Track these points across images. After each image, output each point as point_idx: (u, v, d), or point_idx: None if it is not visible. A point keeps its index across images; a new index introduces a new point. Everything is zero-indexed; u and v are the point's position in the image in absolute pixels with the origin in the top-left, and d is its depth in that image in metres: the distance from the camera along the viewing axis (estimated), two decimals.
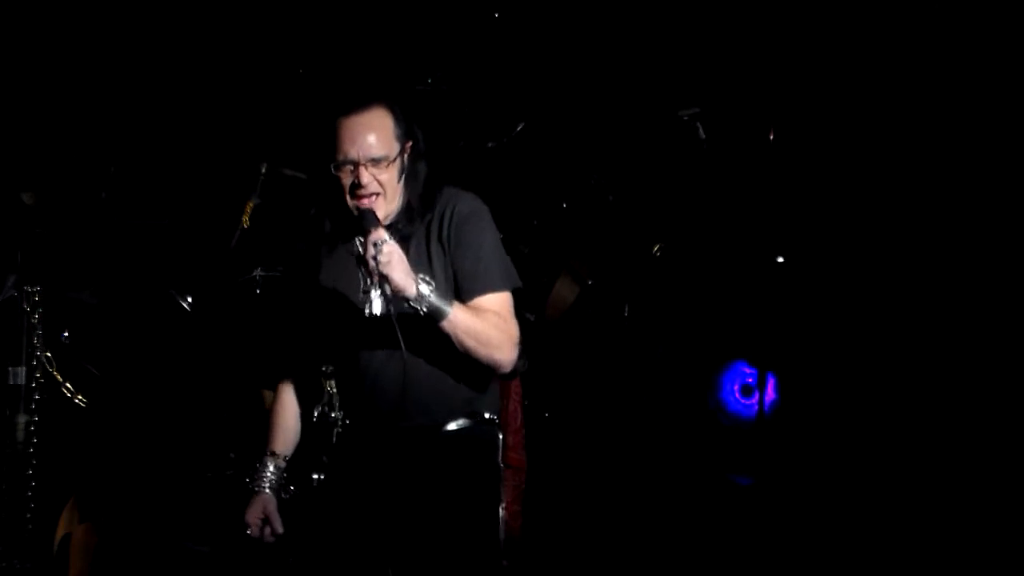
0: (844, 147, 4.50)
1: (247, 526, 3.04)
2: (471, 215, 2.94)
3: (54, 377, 4.20)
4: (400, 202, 2.94)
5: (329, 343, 2.97)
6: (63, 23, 4.71)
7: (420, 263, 2.86)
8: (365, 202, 2.83)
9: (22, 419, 4.03)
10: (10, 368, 4.03)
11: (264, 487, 3.05)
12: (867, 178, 4.46)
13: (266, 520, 3.03)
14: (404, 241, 2.86)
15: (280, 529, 3.03)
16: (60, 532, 4.03)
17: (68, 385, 4.28)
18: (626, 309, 4.66)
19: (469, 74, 3.04)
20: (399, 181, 2.91)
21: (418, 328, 2.81)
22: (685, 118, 4.48)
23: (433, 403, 2.90)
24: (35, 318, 4.05)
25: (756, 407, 4.37)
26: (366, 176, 2.83)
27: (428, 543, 2.87)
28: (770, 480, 4.39)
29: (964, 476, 4.13)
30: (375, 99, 2.90)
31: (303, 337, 3.06)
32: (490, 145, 4.64)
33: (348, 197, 2.85)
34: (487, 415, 2.99)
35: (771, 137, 4.51)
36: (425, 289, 2.75)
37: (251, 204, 4.28)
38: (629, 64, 4.72)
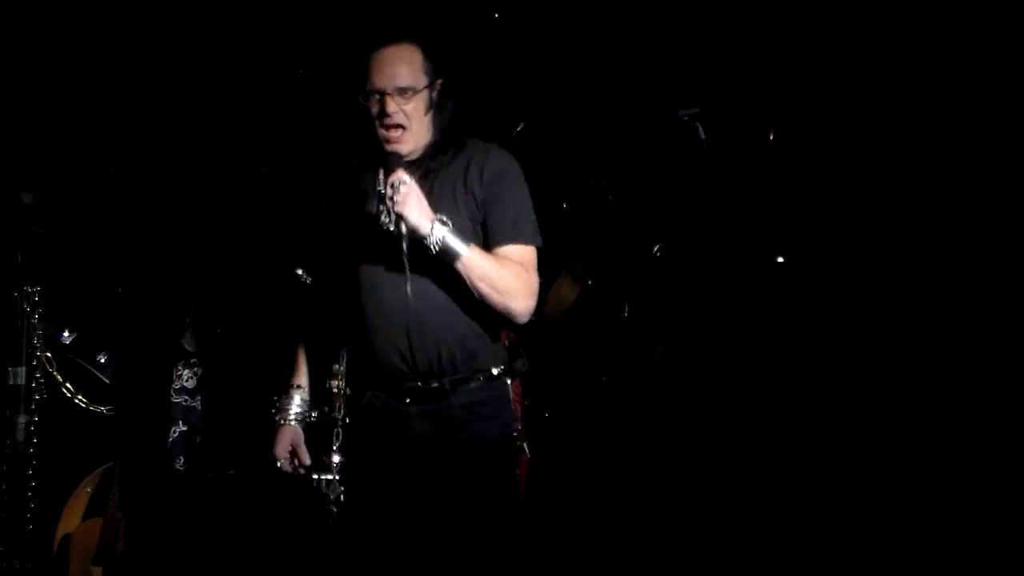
0: (844, 147, 4.50)
1: (276, 459, 3.13)
2: (508, 170, 2.99)
3: (54, 377, 4.21)
4: (427, 138, 2.98)
5: (348, 282, 2.99)
6: (63, 23, 4.71)
7: (442, 201, 2.89)
8: (393, 135, 2.89)
9: (22, 419, 4.04)
10: (10, 368, 4.04)
11: (290, 419, 3.12)
12: (867, 178, 4.46)
13: (293, 452, 3.11)
14: (427, 177, 2.92)
15: (307, 461, 3.12)
16: (60, 532, 4.03)
17: (68, 385, 4.29)
18: (626, 309, 4.66)
19: (469, 74, 3.07)
20: (426, 114, 2.95)
21: (432, 270, 2.84)
22: (685, 118, 4.48)
23: (439, 348, 2.90)
24: (35, 318, 4.06)
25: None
26: (392, 105, 2.88)
27: (450, 517, 2.90)
28: (770, 480, 4.38)
29: (964, 476, 4.13)
30: (406, 35, 2.97)
31: (326, 274, 3.12)
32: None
33: (377, 127, 2.91)
34: (494, 371, 2.99)
35: (771, 137, 4.51)
36: (440, 229, 2.79)
37: (250, 204, 4.29)
38: (629, 64, 4.72)
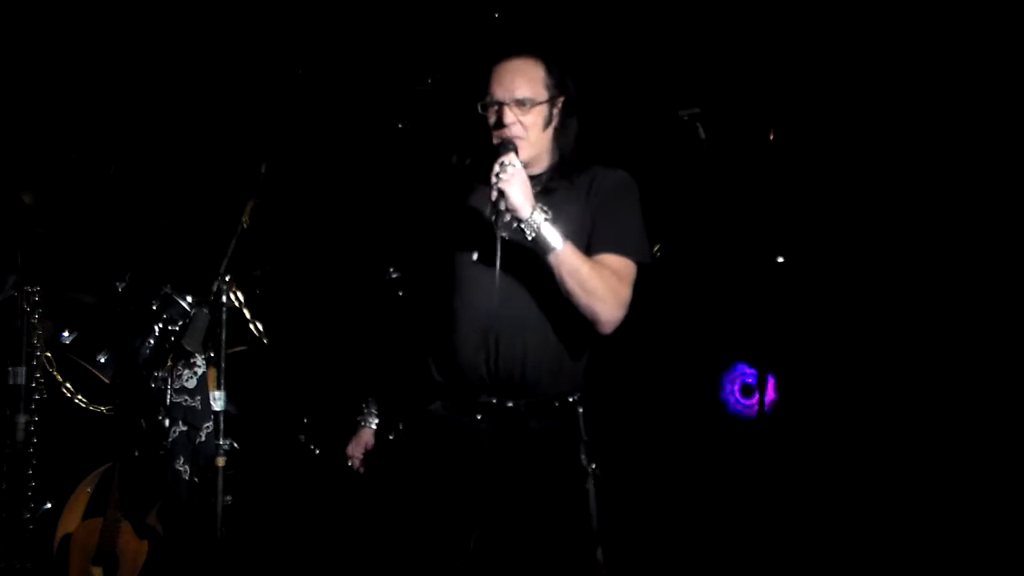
0: (844, 147, 4.49)
1: (349, 458, 3.23)
2: (625, 186, 3.01)
3: (54, 377, 4.21)
4: (549, 157, 2.98)
5: (437, 283, 2.99)
6: (63, 23, 4.71)
7: (559, 219, 2.85)
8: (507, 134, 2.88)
9: (22, 419, 4.04)
10: (10, 368, 4.04)
11: (370, 424, 3.23)
12: (867, 178, 4.45)
13: (365, 455, 3.21)
14: (546, 193, 2.90)
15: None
16: (60, 532, 4.03)
17: (68, 385, 4.28)
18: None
19: (469, 74, 3.07)
20: (544, 129, 2.94)
21: (526, 275, 2.84)
22: (685, 118, 4.47)
23: (524, 362, 2.87)
24: (35, 318, 4.06)
25: (756, 407, 4.37)
26: (509, 116, 2.88)
27: (515, 545, 2.89)
28: (770, 480, 4.38)
29: (964, 476, 4.13)
30: (530, 50, 2.98)
31: (421, 280, 3.12)
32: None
33: (492, 138, 2.90)
34: (571, 398, 2.99)
35: (771, 137, 4.50)
36: (540, 215, 2.77)
37: (251, 204, 4.28)
38: (629, 64, 4.72)
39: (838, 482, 4.30)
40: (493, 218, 2.77)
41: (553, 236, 2.78)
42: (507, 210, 2.75)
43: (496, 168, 2.76)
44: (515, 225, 2.78)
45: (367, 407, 3.25)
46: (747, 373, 4.66)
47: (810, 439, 4.39)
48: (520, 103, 2.89)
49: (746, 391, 4.64)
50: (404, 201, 3.30)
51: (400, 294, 3.41)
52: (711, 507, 4.41)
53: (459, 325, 2.91)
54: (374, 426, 3.24)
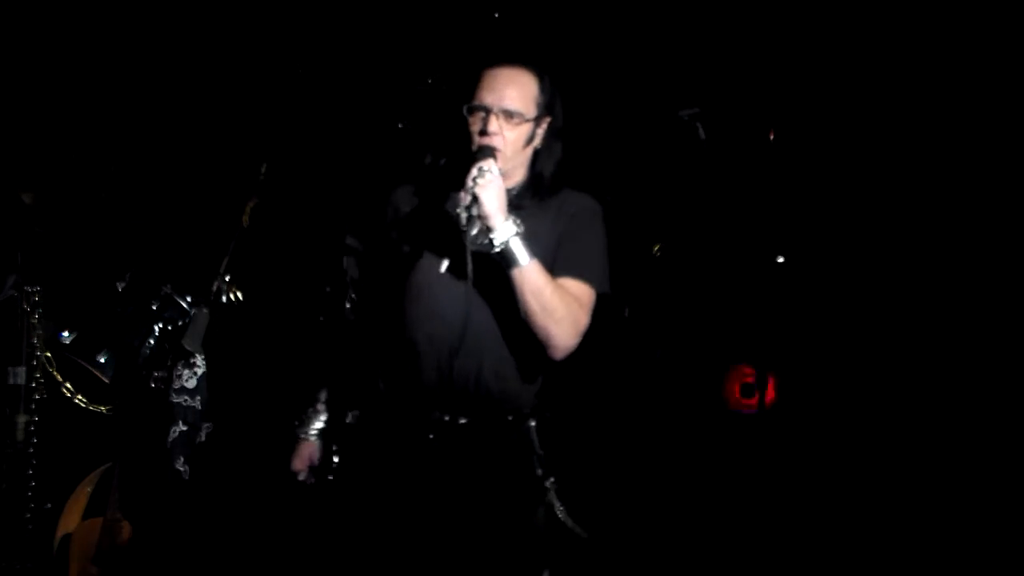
0: (844, 147, 4.50)
1: (295, 473, 3.08)
2: (591, 212, 2.92)
3: (54, 377, 4.21)
4: (522, 176, 2.89)
5: (398, 291, 2.89)
6: (63, 23, 4.71)
7: (526, 234, 2.75)
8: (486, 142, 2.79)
9: (22, 419, 4.04)
10: (10, 368, 4.04)
11: (311, 435, 3.08)
12: (867, 178, 4.46)
13: (312, 468, 3.07)
14: (514, 212, 2.77)
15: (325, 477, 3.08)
16: (60, 532, 4.03)
17: (68, 385, 4.28)
18: (626, 309, 4.65)
19: (469, 74, 3.03)
20: (524, 147, 2.85)
21: (489, 295, 2.75)
22: (685, 118, 4.47)
23: (478, 379, 2.81)
24: (35, 318, 4.05)
25: (756, 407, 4.37)
26: (494, 125, 2.78)
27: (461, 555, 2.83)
28: (770, 480, 4.38)
29: (964, 476, 4.13)
30: (527, 62, 2.87)
31: (378, 289, 3.01)
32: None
33: (472, 144, 2.80)
34: (524, 411, 2.91)
35: (771, 137, 4.50)
36: (511, 227, 2.68)
37: (251, 204, 4.28)
38: (629, 64, 4.72)
39: (838, 482, 4.30)
40: (463, 223, 2.68)
41: (521, 251, 2.70)
42: (478, 216, 2.66)
43: (474, 172, 2.67)
44: (483, 238, 2.69)
45: (309, 416, 3.09)
46: (747, 373, 4.66)
47: (809, 439, 4.39)
48: (508, 114, 2.79)
49: (746, 391, 4.65)
50: (372, 202, 3.18)
51: (347, 303, 3.26)
52: (709, 508, 4.41)
53: (417, 337, 2.83)
54: (313, 436, 3.07)
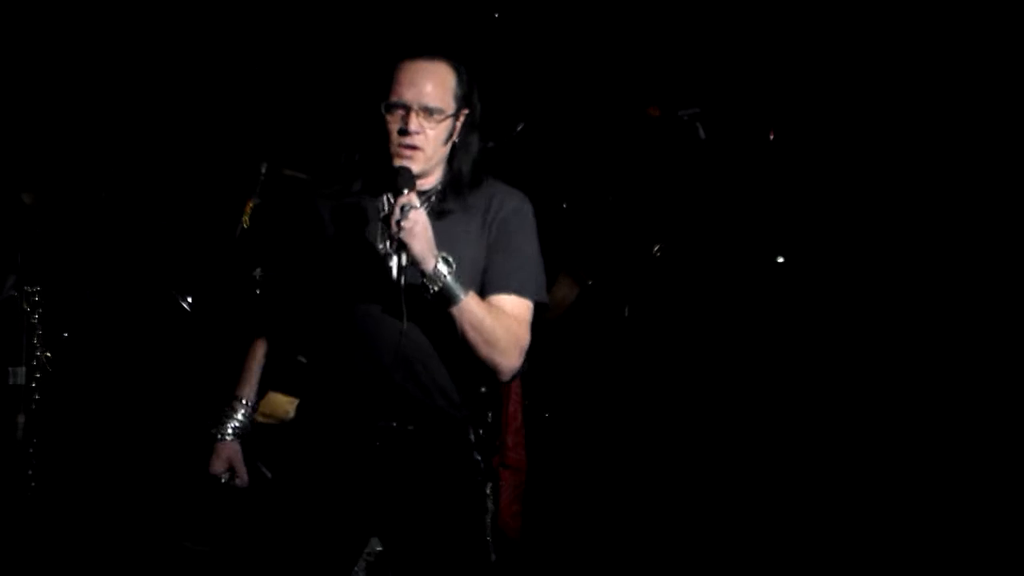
0: (844, 147, 4.50)
1: (213, 477, 2.88)
2: (521, 215, 2.81)
3: (54, 377, 4.21)
4: (442, 172, 2.80)
5: (328, 298, 2.79)
6: (63, 23, 4.71)
7: (448, 242, 2.67)
8: (406, 154, 2.68)
9: (22, 419, 4.04)
10: (10, 368, 4.04)
11: (228, 434, 2.89)
12: (867, 178, 4.46)
13: (232, 471, 2.89)
14: (439, 216, 2.71)
15: (246, 479, 2.89)
16: None
17: (68, 385, 4.29)
18: (626, 309, 4.66)
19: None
20: (444, 143, 2.76)
21: (424, 309, 2.66)
22: (685, 118, 4.48)
23: (420, 392, 2.74)
24: (35, 318, 4.06)
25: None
26: (415, 123, 2.68)
27: (412, 546, 2.77)
28: (769, 480, 4.39)
29: (964, 476, 4.13)
30: (444, 54, 2.78)
31: (298, 288, 2.86)
32: (490, 145, 4.62)
33: (391, 143, 2.70)
34: (464, 411, 2.82)
35: (771, 137, 4.51)
36: (443, 268, 2.60)
37: (251, 204, 4.28)
38: (629, 64, 4.72)
39: (836, 481, 4.30)
40: (392, 272, 2.61)
41: (457, 288, 2.62)
42: (409, 264, 2.58)
43: (396, 213, 2.56)
44: (416, 279, 2.61)
45: (225, 415, 2.90)
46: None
47: (809, 439, 4.39)
48: (428, 111, 2.70)
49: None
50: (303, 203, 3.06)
51: (269, 302, 3.12)
52: (711, 507, 4.42)
53: (353, 355, 2.74)
54: (230, 436, 2.88)
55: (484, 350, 2.69)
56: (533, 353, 2.88)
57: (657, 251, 4.60)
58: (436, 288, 2.61)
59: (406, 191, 2.60)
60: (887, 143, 4.43)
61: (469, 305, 2.64)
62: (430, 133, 2.71)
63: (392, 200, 2.61)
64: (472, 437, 2.86)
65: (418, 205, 2.60)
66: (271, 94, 4.83)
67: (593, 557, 4.33)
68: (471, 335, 2.67)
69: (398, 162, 2.69)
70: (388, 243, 2.63)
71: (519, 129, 4.59)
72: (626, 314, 4.66)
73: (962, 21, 4.27)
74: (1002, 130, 4.24)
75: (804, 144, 4.54)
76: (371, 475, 2.77)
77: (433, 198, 2.77)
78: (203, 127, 4.83)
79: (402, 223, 2.55)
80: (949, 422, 4.21)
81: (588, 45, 4.75)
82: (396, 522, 2.78)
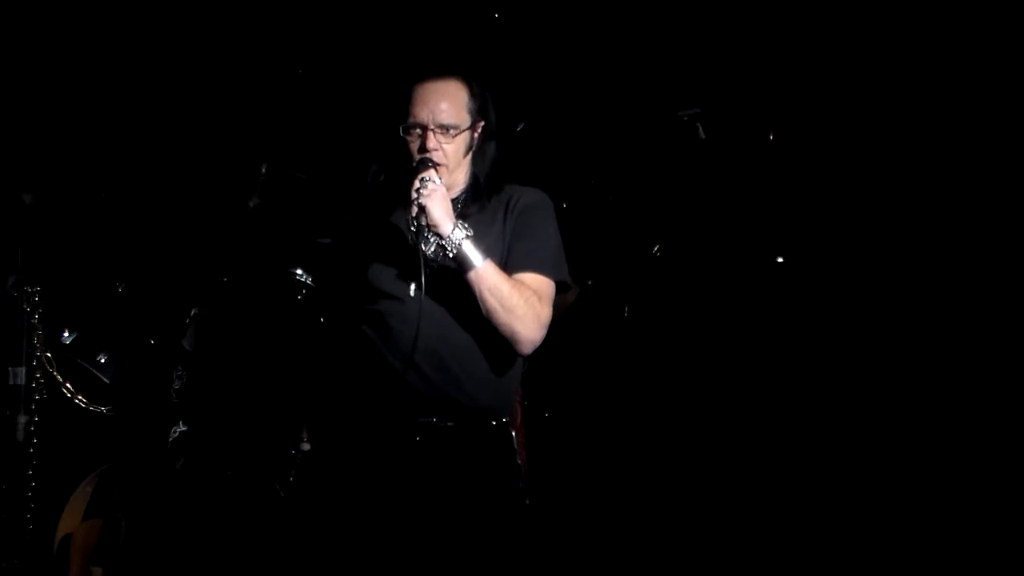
0: (844, 147, 4.50)
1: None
2: (539, 205, 2.95)
3: (54, 377, 4.21)
4: (465, 181, 2.95)
5: (365, 301, 2.93)
6: (63, 23, 4.71)
7: (480, 241, 2.81)
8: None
9: (22, 419, 4.04)
10: (10, 368, 4.04)
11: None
12: (867, 178, 4.46)
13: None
14: (462, 219, 2.83)
15: None
16: (60, 532, 4.03)
17: (68, 385, 4.28)
18: (626, 309, 4.66)
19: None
20: (465, 155, 2.92)
21: (450, 301, 2.81)
22: (685, 118, 4.48)
23: (448, 386, 2.85)
24: (35, 318, 4.06)
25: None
26: (432, 141, 2.84)
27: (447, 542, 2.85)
28: (769, 480, 4.39)
29: (964, 476, 4.13)
30: (453, 71, 2.92)
31: (340, 294, 3.05)
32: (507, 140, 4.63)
33: (413, 161, 2.85)
34: (504, 419, 2.94)
35: (771, 137, 4.51)
36: (460, 232, 2.74)
37: (251, 204, 4.28)
38: (629, 64, 4.72)
39: (836, 481, 4.30)
40: (413, 234, 2.76)
41: (473, 254, 2.75)
42: (427, 226, 2.73)
43: (416, 184, 2.74)
44: (435, 245, 2.77)
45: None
46: None
47: (809, 439, 4.39)
48: (444, 128, 2.85)
49: None
50: (327, 217, 3.22)
51: (320, 314, 3.27)
52: (711, 507, 4.42)
53: (386, 346, 2.87)
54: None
55: (503, 317, 2.78)
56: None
57: (657, 251, 4.60)
58: (453, 251, 2.75)
59: (427, 169, 2.78)
60: (887, 143, 4.42)
61: (487, 270, 2.76)
62: (448, 148, 2.86)
63: (414, 177, 2.77)
64: (515, 443, 2.96)
65: (437, 180, 2.76)
66: (271, 94, 4.83)
67: (593, 557, 4.33)
68: (490, 301, 2.77)
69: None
70: (410, 215, 2.76)
71: (519, 129, 4.59)
72: (626, 314, 4.67)
73: (962, 21, 4.27)
74: (1002, 130, 4.24)
75: (804, 144, 4.54)
76: (411, 469, 2.86)
77: (459, 205, 2.91)
78: (203, 127, 4.83)
79: (422, 191, 2.73)
80: (949, 422, 4.20)
81: (588, 45, 4.75)
82: (434, 518, 2.85)
